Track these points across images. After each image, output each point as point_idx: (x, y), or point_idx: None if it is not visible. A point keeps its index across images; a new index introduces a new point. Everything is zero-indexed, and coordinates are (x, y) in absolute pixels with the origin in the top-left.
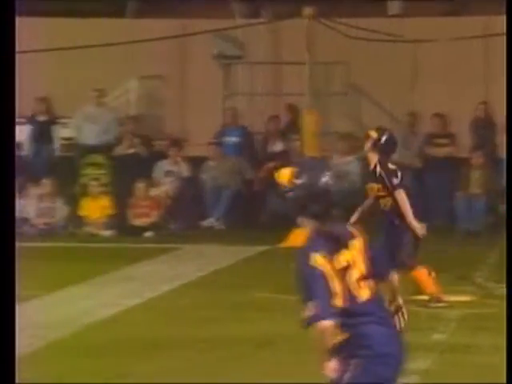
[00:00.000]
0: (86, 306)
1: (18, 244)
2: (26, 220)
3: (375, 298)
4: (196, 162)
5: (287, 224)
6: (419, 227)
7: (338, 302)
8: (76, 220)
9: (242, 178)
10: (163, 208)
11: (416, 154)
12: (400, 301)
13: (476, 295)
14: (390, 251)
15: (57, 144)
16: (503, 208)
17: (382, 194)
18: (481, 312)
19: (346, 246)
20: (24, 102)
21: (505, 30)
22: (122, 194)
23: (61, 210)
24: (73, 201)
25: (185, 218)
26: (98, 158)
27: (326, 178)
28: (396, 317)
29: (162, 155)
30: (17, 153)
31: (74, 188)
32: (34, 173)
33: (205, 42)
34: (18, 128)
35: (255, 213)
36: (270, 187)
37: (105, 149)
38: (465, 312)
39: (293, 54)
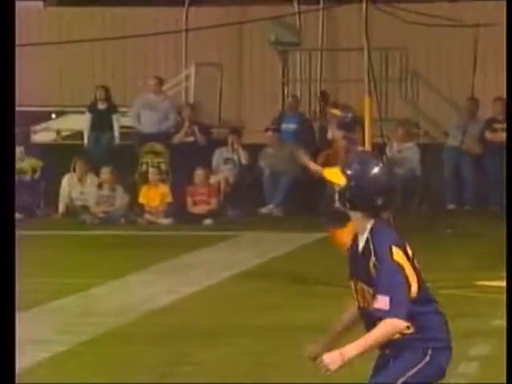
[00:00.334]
0: (145, 294)
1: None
2: (85, 208)
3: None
4: (254, 150)
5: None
6: None
7: (414, 291)
8: (135, 208)
9: (300, 165)
10: (222, 195)
11: (476, 140)
12: None
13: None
14: None
15: (116, 132)
16: None
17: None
18: None
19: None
20: (86, 92)
21: (505, 31)
22: (180, 182)
23: (120, 198)
24: (132, 189)
25: (243, 205)
26: (157, 146)
27: (380, 169)
28: None
29: (221, 143)
30: (78, 141)
31: (134, 176)
32: (93, 161)
33: (262, 28)
34: (78, 117)
35: (313, 200)
36: None
37: (163, 137)
38: None
39: (350, 40)
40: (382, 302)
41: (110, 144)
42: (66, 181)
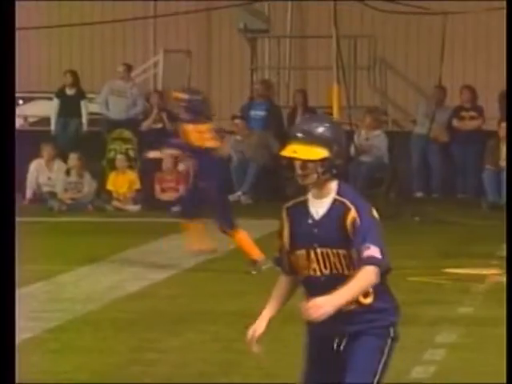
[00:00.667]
0: (113, 281)
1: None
2: (53, 194)
3: None
4: (222, 137)
5: None
6: None
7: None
8: (103, 195)
9: (269, 151)
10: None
11: (443, 128)
12: None
13: (502, 268)
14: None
15: (84, 119)
16: None
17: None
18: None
19: None
20: (54, 78)
21: (505, 30)
22: (148, 169)
23: (88, 184)
24: (100, 175)
25: None
26: (125, 133)
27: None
28: None
29: None
30: (46, 128)
31: (101, 163)
32: (61, 147)
33: (231, 15)
34: (46, 103)
35: (282, 187)
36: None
37: (132, 123)
38: (491, 285)
39: (319, 28)
40: (376, 251)
41: (78, 130)
42: (33, 166)
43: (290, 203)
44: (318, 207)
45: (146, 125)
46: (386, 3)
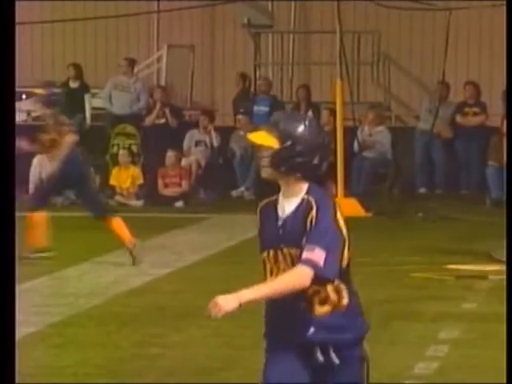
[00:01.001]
0: (116, 276)
1: (48, 214)
2: None
3: None
4: (226, 132)
5: None
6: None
7: (346, 258)
8: (106, 190)
9: None
10: (193, 178)
11: (447, 123)
12: None
13: (505, 265)
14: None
15: (88, 113)
16: None
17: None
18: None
19: None
20: (57, 73)
21: (505, 29)
22: (152, 164)
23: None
24: (103, 171)
25: (215, 187)
26: (129, 128)
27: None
28: None
29: (192, 125)
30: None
31: (105, 158)
32: None
33: (234, 10)
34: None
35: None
36: None
37: (135, 119)
38: (494, 282)
39: (323, 23)
40: (319, 256)
41: (82, 125)
42: (36, 161)
43: (263, 202)
44: (286, 206)
45: (149, 120)
46: None
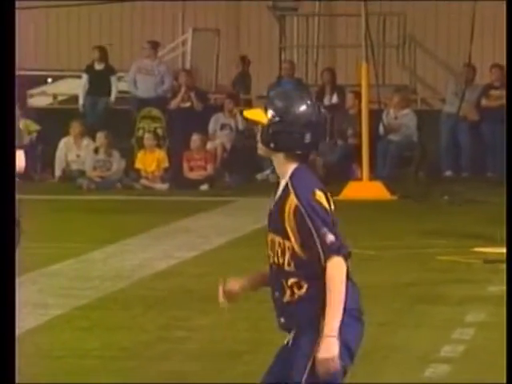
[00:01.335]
0: (142, 259)
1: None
2: (82, 173)
3: None
4: None
5: (342, 177)
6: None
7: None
8: (132, 173)
9: None
10: (218, 161)
11: (473, 106)
12: None
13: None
14: None
15: (113, 95)
16: None
17: None
18: None
19: None
20: (83, 56)
21: (505, 29)
22: (177, 148)
23: (117, 163)
24: (129, 154)
25: (240, 170)
26: (154, 112)
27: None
28: None
29: (217, 108)
30: (75, 106)
31: (130, 141)
32: (90, 126)
33: None
34: (75, 81)
35: (310, 165)
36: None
37: (160, 102)
38: None
39: (348, 6)
40: (331, 240)
41: (107, 108)
42: (62, 144)
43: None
44: (278, 190)
45: (174, 104)
46: None
